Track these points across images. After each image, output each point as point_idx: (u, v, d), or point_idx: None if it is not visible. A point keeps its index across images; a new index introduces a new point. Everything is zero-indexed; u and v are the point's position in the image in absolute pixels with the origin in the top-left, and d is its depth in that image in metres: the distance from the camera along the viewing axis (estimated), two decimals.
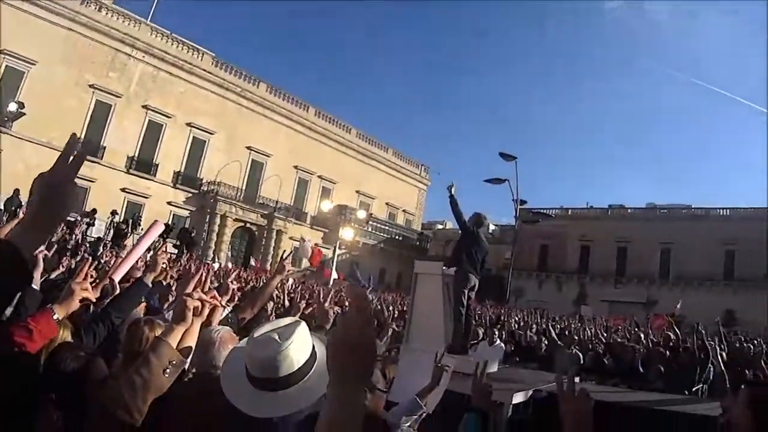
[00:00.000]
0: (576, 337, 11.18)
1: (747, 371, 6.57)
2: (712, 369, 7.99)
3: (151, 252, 7.11)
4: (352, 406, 1.06)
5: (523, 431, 5.02)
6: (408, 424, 2.99)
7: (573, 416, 1.72)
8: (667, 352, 9.83)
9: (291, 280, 17.89)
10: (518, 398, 5.05)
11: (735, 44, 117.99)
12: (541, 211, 39.06)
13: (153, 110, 35.25)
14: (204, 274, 2.74)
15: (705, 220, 44.38)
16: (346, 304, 10.11)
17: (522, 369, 8.34)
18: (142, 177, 34.79)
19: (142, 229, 24.99)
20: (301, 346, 2.01)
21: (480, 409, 2.72)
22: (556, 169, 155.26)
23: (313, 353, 2.05)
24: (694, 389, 8.15)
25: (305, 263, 36.19)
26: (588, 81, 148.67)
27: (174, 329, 2.13)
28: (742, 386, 2.61)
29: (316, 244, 36.02)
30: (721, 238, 42.31)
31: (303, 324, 2.09)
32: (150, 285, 3.57)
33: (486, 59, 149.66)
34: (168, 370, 1.98)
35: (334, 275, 28.80)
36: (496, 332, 10.51)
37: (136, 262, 4.34)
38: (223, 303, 2.85)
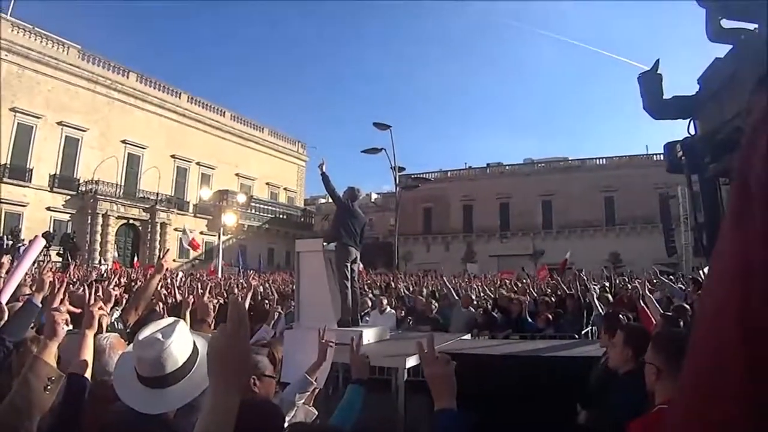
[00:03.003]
0: (472, 296, 11.75)
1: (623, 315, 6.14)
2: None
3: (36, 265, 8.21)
4: (226, 412, 1.26)
5: (420, 393, 4.87)
6: (302, 401, 3.32)
7: (435, 379, 2.00)
8: (553, 300, 10.98)
9: (180, 274, 20.48)
10: (411, 362, 5.41)
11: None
12: (420, 175, 44.62)
13: (21, 112, 36.26)
14: (64, 284, 3.23)
15: (581, 171, 51.42)
16: (236, 292, 12.89)
17: (414, 332, 8.95)
18: (17, 184, 35.96)
19: (23, 240, 26.49)
20: (182, 343, 2.36)
21: (362, 380, 3.23)
22: (433, 133, 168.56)
23: (195, 349, 2.41)
24: (583, 332, 9.05)
25: (193, 253, 40.73)
26: (458, 43, 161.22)
27: (48, 345, 2.40)
28: (618, 330, 3.77)
29: (196, 232, 39.51)
30: (598, 185, 49.25)
31: (182, 322, 2.46)
32: (40, 305, 3.69)
33: (354, 26, 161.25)
34: (48, 387, 2.24)
35: (221, 263, 31.87)
36: (385, 300, 11.02)
37: (24, 279, 4.75)
38: (107, 310, 3.07)
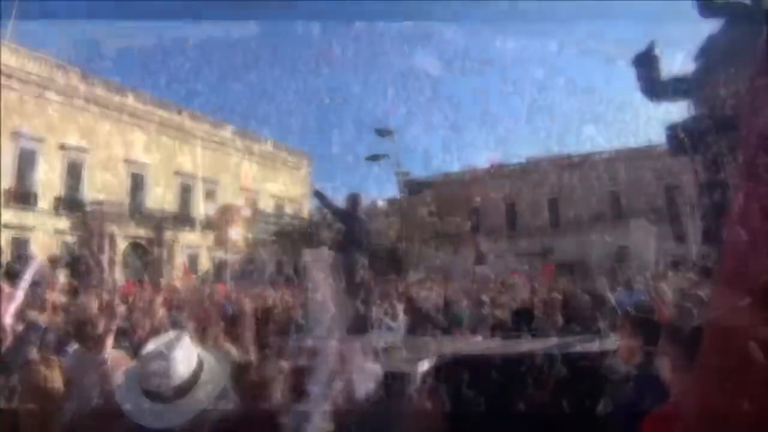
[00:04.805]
0: (482, 298, 11.61)
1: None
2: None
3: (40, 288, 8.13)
4: None
5: (433, 396, 5.22)
6: (316, 413, 3.17)
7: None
8: (563, 297, 10.82)
9: (187, 290, 19.29)
10: (424, 366, 5.49)
11: None
12: (425, 179, 44.85)
13: (23, 137, 35.86)
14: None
15: (586, 166, 51.13)
16: (245, 306, 14.20)
17: (426, 337, 8.87)
18: (23, 209, 35.52)
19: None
20: (187, 356, 2.35)
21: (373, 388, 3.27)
22: (436, 135, 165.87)
23: (200, 362, 2.41)
24: (595, 328, 8.63)
25: (201, 269, 41.25)
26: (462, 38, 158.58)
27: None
28: (624, 320, 3.92)
29: (186, 264, 40.32)
30: (603, 179, 48.82)
31: (186, 335, 2.46)
32: (43, 325, 3.83)
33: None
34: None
35: (229, 278, 32.10)
36: (397, 305, 11.11)
37: (27, 300, 4.73)
38: (113, 327, 3.11)
